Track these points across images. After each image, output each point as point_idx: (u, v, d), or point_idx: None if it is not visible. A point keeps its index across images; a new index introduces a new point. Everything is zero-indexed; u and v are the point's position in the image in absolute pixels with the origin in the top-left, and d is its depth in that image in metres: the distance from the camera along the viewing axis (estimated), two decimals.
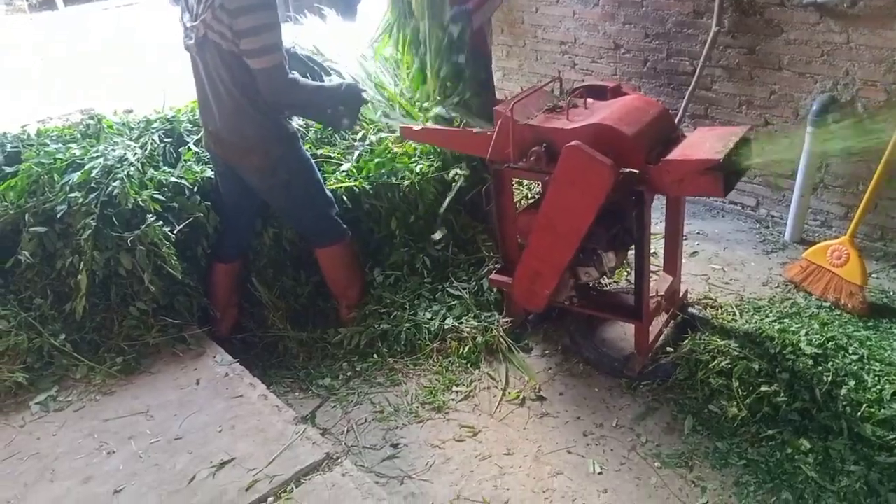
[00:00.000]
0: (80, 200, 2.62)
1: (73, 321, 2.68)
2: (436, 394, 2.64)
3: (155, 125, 3.15)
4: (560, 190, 2.33)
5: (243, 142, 2.59)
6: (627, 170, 2.25)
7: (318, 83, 2.73)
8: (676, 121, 3.59)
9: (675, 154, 2.26)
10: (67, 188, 2.66)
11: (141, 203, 2.67)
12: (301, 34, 4.38)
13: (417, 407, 2.59)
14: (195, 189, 2.86)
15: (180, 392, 2.53)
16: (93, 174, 2.67)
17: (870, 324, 2.77)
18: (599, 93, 2.62)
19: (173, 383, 2.58)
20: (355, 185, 3.02)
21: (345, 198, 3.01)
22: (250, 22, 2.31)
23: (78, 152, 2.80)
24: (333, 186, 3.00)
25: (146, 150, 2.93)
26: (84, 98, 6.95)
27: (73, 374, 2.60)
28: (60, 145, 2.92)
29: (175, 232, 2.73)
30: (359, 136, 3.29)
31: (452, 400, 2.62)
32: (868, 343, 2.61)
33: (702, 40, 3.55)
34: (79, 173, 2.67)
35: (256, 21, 2.31)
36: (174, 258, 2.69)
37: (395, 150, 3.23)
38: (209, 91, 2.56)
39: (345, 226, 2.91)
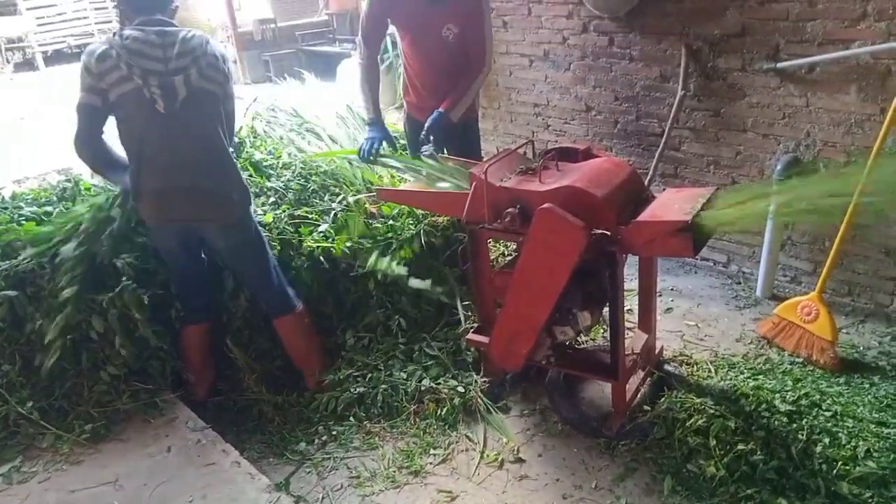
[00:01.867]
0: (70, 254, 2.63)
1: (42, 388, 2.62)
2: (413, 457, 2.60)
3: None
4: (534, 251, 2.36)
5: (225, 193, 2.63)
6: (599, 231, 2.30)
7: None
8: (647, 180, 3.70)
9: (646, 215, 2.32)
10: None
11: (118, 265, 2.66)
12: (280, 95, 4.48)
13: (394, 471, 2.54)
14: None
15: (151, 460, 2.46)
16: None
17: (841, 379, 2.81)
18: (571, 155, 2.69)
19: (144, 451, 2.52)
20: (332, 247, 3.04)
21: (322, 258, 3.03)
22: (228, 68, 2.65)
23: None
24: (311, 246, 3.01)
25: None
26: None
27: (40, 442, 2.53)
28: (35, 208, 2.91)
29: (148, 294, 2.71)
30: (338, 198, 3.32)
31: (430, 463, 2.58)
32: (840, 399, 2.64)
33: (669, 103, 3.69)
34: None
35: (228, 67, 2.66)
36: (147, 319, 2.67)
37: (373, 210, 3.28)
38: (186, 149, 2.53)
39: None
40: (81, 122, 2.50)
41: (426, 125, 3.17)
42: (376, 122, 3.30)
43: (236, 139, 2.94)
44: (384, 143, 3.27)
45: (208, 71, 2.51)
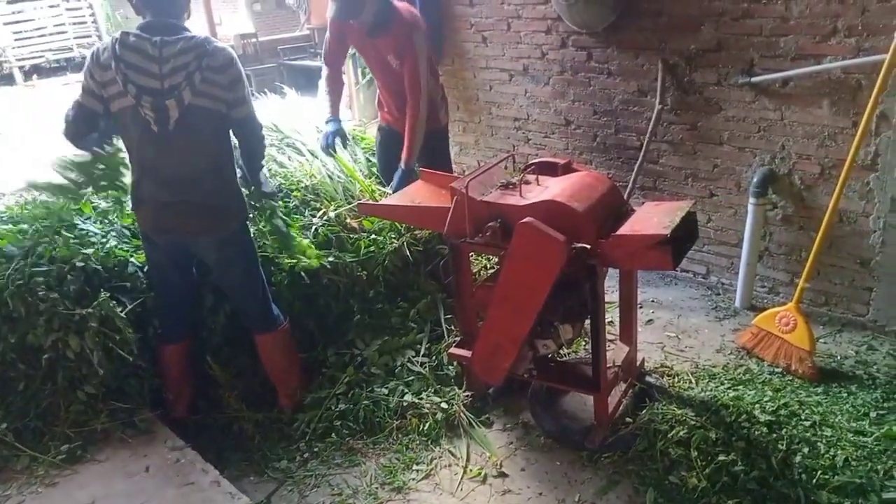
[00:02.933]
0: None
1: (16, 408, 2.57)
2: (395, 473, 2.58)
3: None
4: (515, 265, 2.37)
5: (221, 206, 2.60)
6: (579, 245, 2.31)
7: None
8: (627, 193, 3.73)
9: (625, 229, 2.34)
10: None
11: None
12: (261, 110, 4.46)
13: (377, 488, 2.52)
14: (146, 269, 2.82)
15: (129, 481, 2.42)
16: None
17: (820, 389, 2.84)
18: (551, 169, 2.71)
19: (122, 471, 2.47)
20: (310, 262, 3.02)
21: (303, 273, 3.01)
22: (233, 74, 2.47)
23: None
24: (290, 262, 3.00)
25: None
26: None
27: (14, 465, 2.48)
28: (11, 226, 2.87)
29: (126, 311, 2.68)
30: (319, 213, 3.31)
31: (412, 479, 2.57)
32: (819, 409, 2.67)
33: (647, 117, 3.73)
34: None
35: (235, 73, 2.49)
36: (129, 332, 2.64)
37: (354, 224, 3.27)
38: (181, 165, 2.50)
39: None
40: (75, 118, 2.48)
41: (393, 185, 3.47)
42: (333, 119, 3.78)
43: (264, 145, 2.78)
44: (338, 138, 3.74)
45: (202, 87, 2.40)
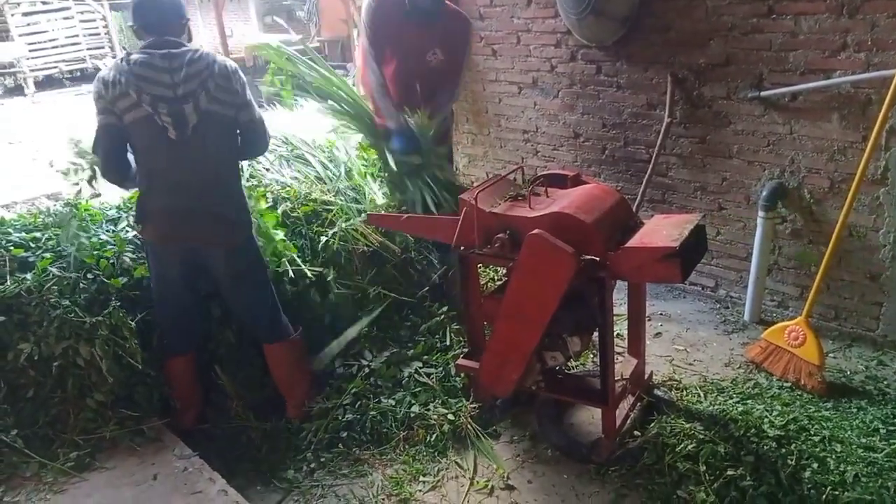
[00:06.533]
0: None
1: (26, 415, 2.59)
2: (402, 485, 2.57)
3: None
4: (524, 276, 2.38)
5: (230, 216, 2.65)
6: (588, 257, 2.31)
7: None
8: (636, 205, 3.73)
9: (634, 242, 2.34)
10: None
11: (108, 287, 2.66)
12: (271, 121, 4.50)
13: (383, 499, 2.52)
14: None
15: (136, 489, 2.43)
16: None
17: (829, 404, 2.82)
18: (560, 181, 2.72)
19: (129, 479, 2.48)
20: (323, 272, 3.04)
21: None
22: (240, 80, 2.61)
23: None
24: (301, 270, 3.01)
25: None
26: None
27: (23, 471, 2.48)
28: (24, 234, 2.90)
29: (136, 321, 2.69)
30: (329, 224, 3.33)
31: (419, 490, 2.56)
32: (828, 424, 2.65)
33: (656, 130, 3.74)
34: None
35: (241, 80, 2.62)
36: (135, 342, 2.65)
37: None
38: (195, 172, 2.56)
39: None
40: (105, 144, 2.53)
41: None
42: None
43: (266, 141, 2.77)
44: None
45: (217, 93, 2.51)
